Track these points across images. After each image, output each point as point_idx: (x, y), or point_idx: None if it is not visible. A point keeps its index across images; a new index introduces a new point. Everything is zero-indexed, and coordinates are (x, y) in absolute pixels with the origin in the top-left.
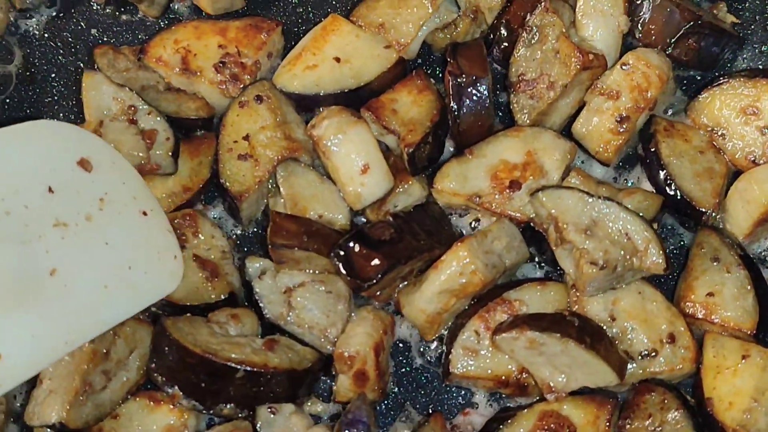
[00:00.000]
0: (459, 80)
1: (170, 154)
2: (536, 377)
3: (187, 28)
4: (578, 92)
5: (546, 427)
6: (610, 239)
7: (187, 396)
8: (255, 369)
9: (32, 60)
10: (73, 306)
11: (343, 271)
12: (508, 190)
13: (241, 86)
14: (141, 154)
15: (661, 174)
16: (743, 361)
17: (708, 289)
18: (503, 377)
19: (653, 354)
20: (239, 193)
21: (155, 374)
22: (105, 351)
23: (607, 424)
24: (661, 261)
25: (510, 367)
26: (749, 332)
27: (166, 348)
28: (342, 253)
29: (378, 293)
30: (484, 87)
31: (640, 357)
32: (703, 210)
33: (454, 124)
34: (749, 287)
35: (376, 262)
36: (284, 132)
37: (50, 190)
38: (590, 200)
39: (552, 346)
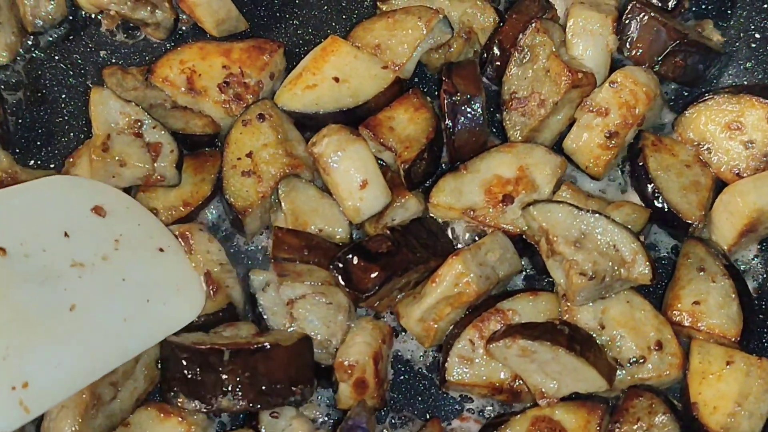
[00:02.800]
0: (454, 98)
1: (174, 165)
2: (529, 384)
3: (193, 49)
4: (569, 109)
5: None
6: (599, 251)
7: (188, 396)
8: (240, 348)
9: (43, 81)
10: (95, 338)
11: (342, 283)
12: (501, 204)
13: (244, 105)
14: (146, 166)
15: (649, 187)
16: (728, 366)
17: (694, 297)
18: (497, 384)
19: (641, 361)
20: (243, 209)
21: (167, 393)
22: None
23: (598, 428)
24: (647, 272)
25: (503, 374)
26: (734, 339)
27: (167, 355)
28: (341, 265)
29: (376, 304)
30: (478, 104)
31: (628, 364)
32: (690, 222)
33: (449, 141)
34: (734, 296)
35: (374, 273)
36: (286, 149)
37: (66, 234)
38: (579, 214)
39: (543, 353)
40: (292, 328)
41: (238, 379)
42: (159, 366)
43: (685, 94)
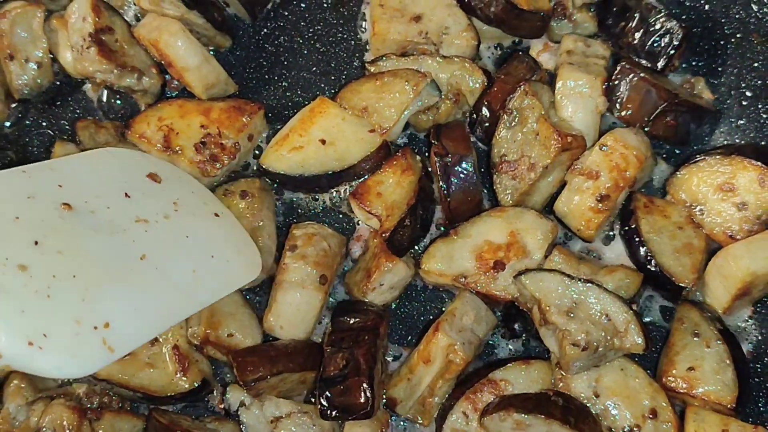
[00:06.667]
0: (445, 160)
1: None
2: None
3: (172, 106)
4: (559, 172)
5: None
6: (592, 320)
7: None
8: None
9: (30, 148)
10: (168, 286)
11: (345, 415)
12: (492, 270)
13: (219, 166)
14: None
15: (642, 250)
16: None
17: (689, 363)
18: None
19: (636, 430)
20: None
21: None
22: None
23: None
24: (640, 341)
25: None
26: (729, 406)
27: (148, 428)
28: (327, 404)
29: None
30: (469, 164)
31: None
32: (683, 285)
33: (444, 203)
34: (728, 361)
35: (364, 386)
36: (252, 237)
37: (126, 195)
38: (571, 283)
39: (538, 426)
40: None
41: None
42: None
43: (677, 152)
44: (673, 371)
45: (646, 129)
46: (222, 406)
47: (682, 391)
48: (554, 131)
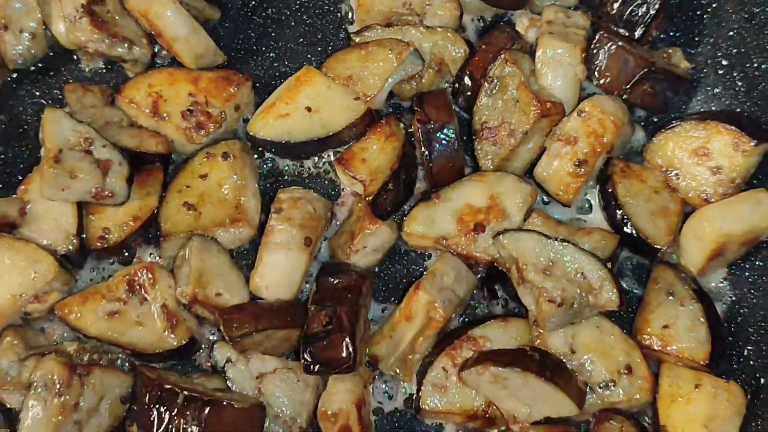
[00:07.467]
0: (427, 126)
1: (124, 180)
2: (502, 409)
3: (162, 74)
4: (538, 138)
5: None
6: (567, 278)
7: (139, 427)
8: (194, 395)
9: (24, 117)
10: None
11: (327, 369)
12: (473, 233)
13: (204, 134)
14: (96, 180)
15: (618, 213)
16: (696, 389)
17: (663, 321)
18: (471, 411)
19: (611, 384)
20: (168, 233)
21: (125, 420)
22: (74, 403)
23: None
24: (614, 298)
25: (477, 401)
26: (702, 362)
27: (136, 384)
28: (310, 359)
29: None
30: (451, 131)
31: (599, 387)
32: (658, 247)
33: (427, 168)
34: (702, 320)
35: (346, 341)
36: (236, 196)
37: None
38: (548, 242)
39: (515, 379)
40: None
41: (185, 424)
42: (123, 403)
43: (655, 120)
44: (648, 329)
45: (624, 97)
46: (209, 363)
47: (656, 348)
48: (533, 98)
